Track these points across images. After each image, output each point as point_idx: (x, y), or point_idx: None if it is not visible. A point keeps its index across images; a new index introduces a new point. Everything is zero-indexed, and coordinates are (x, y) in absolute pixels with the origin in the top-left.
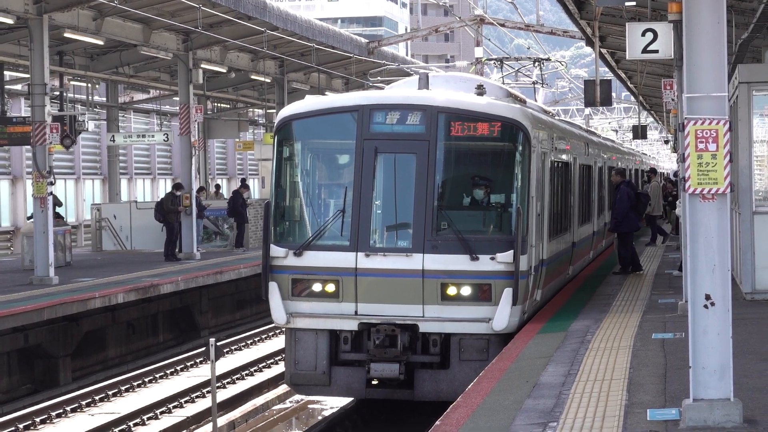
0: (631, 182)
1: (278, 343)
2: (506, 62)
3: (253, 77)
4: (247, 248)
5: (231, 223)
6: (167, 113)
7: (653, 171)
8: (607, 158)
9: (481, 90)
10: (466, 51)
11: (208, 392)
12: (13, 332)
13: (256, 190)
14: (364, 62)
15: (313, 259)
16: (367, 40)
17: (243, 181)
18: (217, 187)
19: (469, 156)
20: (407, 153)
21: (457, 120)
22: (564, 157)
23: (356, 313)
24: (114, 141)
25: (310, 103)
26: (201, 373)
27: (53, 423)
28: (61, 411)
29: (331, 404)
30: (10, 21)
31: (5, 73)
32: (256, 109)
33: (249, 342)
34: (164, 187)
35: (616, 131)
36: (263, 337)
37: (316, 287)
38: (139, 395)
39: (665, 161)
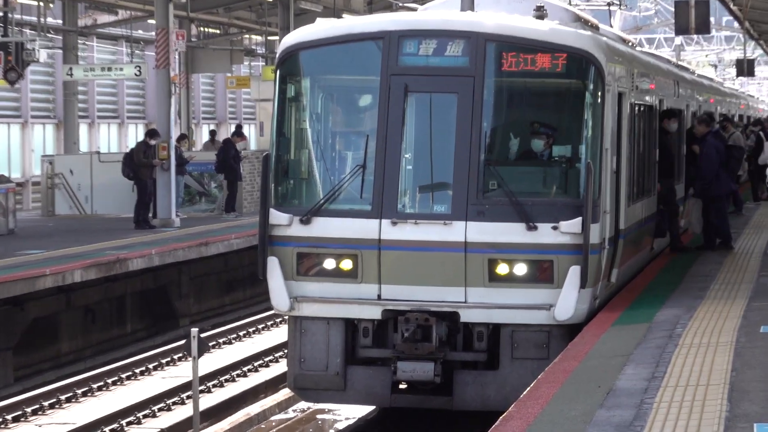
0: (720, 132)
1: (279, 335)
2: None
3: None
4: (241, 213)
5: (220, 181)
6: (140, 40)
7: (757, 123)
8: (703, 101)
9: (541, 12)
10: None
11: (188, 398)
12: None
13: (252, 140)
14: None
15: (324, 227)
16: None
17: (238, 128)
18: (213, 133)
19: (525, 97)
20: (446, 93)
21: (511, 50)
22: (647, 98)
23: (379, 297)
24: (72, 75)
25: (323, 28)
26: (180, 372)
27: None
28: None
29: (347, 414)
30: None
31: None
32: (253, 36)
33: (242, 334)
34: (135, 134)
35: (715, 66)
36: (260, 327)
37: (329, 264)
38: (100, 401)
39: None
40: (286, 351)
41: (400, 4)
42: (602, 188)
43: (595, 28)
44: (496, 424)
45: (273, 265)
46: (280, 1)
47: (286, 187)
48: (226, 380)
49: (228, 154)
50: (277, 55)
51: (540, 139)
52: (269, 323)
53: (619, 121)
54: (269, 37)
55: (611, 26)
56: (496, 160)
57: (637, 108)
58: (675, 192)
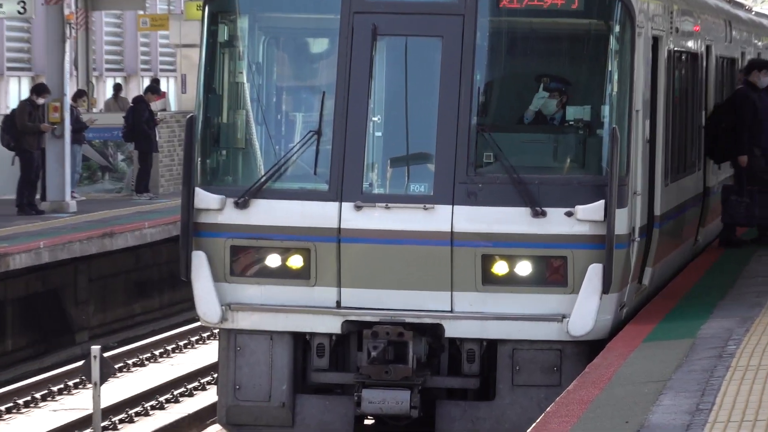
0: None
1: (207, 354)
2: None
3: None
4: (156, 194)
5: (129, 152)
6: None
7: None
8: (764, 47)
9: None
10: None
11: None
12: None
13: (172, 98)
14: None
15: (266, 213)
16: None
17: (153, 82)
18: (118, 88)
19: (531, 42)
20: (427, 36)
21: None
22: (691, 44)
23: (339, 304)
24: None
25: None
26: (77, 403)
27: None
28: None
29: None
30: None
31: None
32: None
33: (158, 353)
34: (18, 91)
35: None
36: (182, 344)
37: (272, 261)
38: None
39: None
40: (215, 375)
41: None
42: (632, 162)
43: None
44: None
45: (199, 262)
46: None
47: (217, 159)
48: (138, 414)
49: (140, 117)
50: None
51: (552, 98)
52: (194, 339)
53: (654, 73)
54: None
55: None
56: (492, 125)
57: (677, 56)
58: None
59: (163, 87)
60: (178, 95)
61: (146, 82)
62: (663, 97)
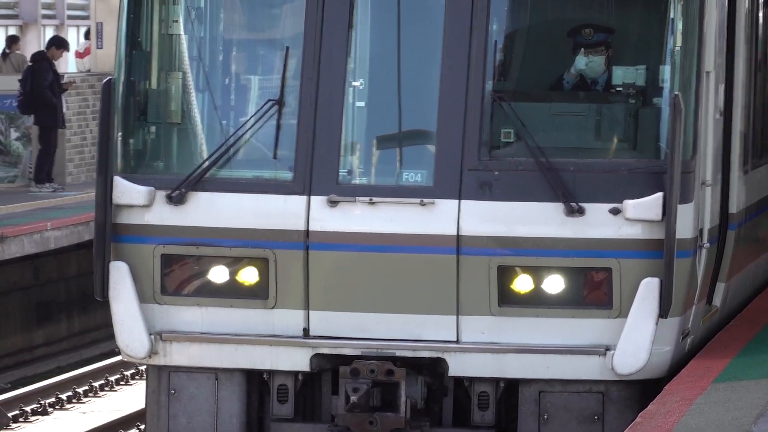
0: None
1: (131, 399)
2: None
3: None
4: (62, 185)
5: (27, 128)
6: None
7: None
8: None
9: None
10: None
11: None
12: None
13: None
14: None
15: (209, 210)
16: None
17: (56, 39)
18: (11, 41)
19: None
20: None
21: None
22: None
23: (307, 333)
24: None
25: None
26: None
27: None
28: None
29: None
30: None
31: None
32: None
33: (66, 397)
34: None
35: None
36: (97, 385)
37: (218, 275)
38: None
39: None
40: (143, 428)
41: None
42: (700, 141)
43: None
44: None
45: (120, 277)
46: None
47: (144, 138)
48: None
49: (41, 81)
50: None
51: (597, 55)
52: (114, 378)
53: (731, 23)
54: None
55: None
56: (513, 93)
57: (765, 2)
58: None
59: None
60: (92, 51)
61: (50, 34)
62: (743, 54)
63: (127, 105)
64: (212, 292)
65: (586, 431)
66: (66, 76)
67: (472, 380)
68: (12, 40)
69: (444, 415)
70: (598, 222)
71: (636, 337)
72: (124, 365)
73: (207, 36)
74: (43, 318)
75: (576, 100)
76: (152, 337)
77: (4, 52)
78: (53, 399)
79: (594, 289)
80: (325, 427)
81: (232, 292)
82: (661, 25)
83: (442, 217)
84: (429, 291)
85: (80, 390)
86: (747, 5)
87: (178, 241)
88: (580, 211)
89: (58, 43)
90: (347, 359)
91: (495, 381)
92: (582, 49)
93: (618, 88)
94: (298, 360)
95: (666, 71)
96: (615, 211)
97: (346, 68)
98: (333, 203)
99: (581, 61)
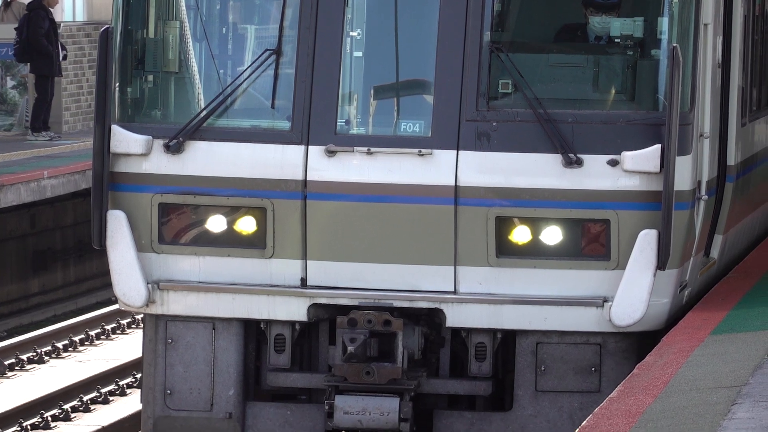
0: None
1: (127, 348)
2: None
3: None
4: (59, 133)
5: (23, 76)
6: None
7: None
8: None
9: None
10: None
11: None
12: None
13: (80, 2)
14: None
15: (207, 159)
16: None
17: None
18: None
19: None
20: None
21: None
22: None
23: (304, 282)
24: None
25: None
26: None
27: None
28: None
29: None
30: None
31: None
32: None
33: (62, 345)
34: None
35: None
36: (94, 334)
37: (215, 224)
38: None
39: None
40: (139, 376)
41: None
42: (698, 93)
43: None
44: None
45: (117, 226)
46: None
47: (141, 87)
48: (35, 426)
49: (37, 29)
50: None
51: (611, 15)
52: (110, 327)
53: None
54: None
55: None
56: (511, 43)
57: None
58: None
59: None
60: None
61: None
62: (741, 6)
63: (125, 54)
64: (210, 242)
65: (584, 382)
66: (62, 24)
67: (470, 331)
68: None
69: (441, 366)
70: (596, 173)
71: (634, 289)
72: (120, 314)
73: None
74: (39, 267)
75: (574, 51)
76: (149, 286)
77: (5, 1)
78: (49, 347)
79: (592, 241)
80: (322, 377)
81: (229, 242)
82: None
83: (440, 168)
84: (426, 241)
85: (76, 339)
86: None
87: (175, 190)
88: (578, 163)
89: None
90: (344, 309)
91: (492, 332)
92: (591, 9)
93: (616, 40)
94: (295, 310)
95: (664, 23)
96: (613, 163)
97: (344, 18)
98: (331, 153)
99: (594, 21)
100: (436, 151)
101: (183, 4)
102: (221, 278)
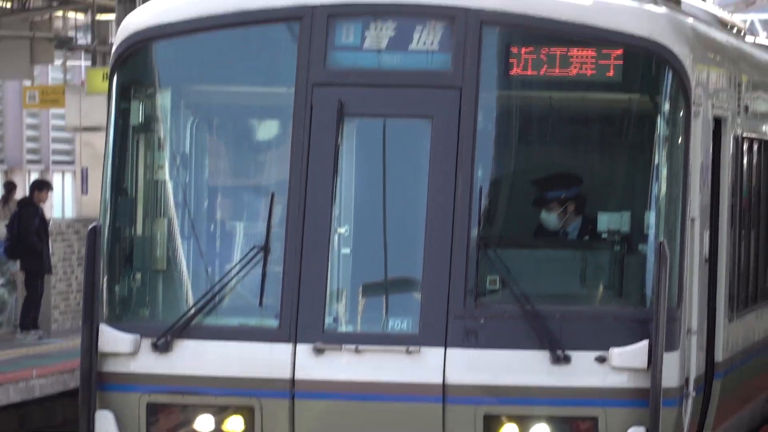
0: None
1: None
2: None
3: None
4: (48, 332)
5: (12, 273)
6: None
7: None
8: None
9: None
10: None
11: None
12: None
13: (69, 200)
14: None
15: (195, 358)
16: None
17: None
18: (9, 187)
19: (552, 125)
20: (412, 117)
21: (527, 41)
22: (766, 129)
23: None
24: None
25: (193, 1)
26: None
27: None
28: None
29: None
30: None
31: None
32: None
33: None
34: None
35: None
36: None
37: (204, 424)
38: None
39: None
40: None
41: None
42: (685, 289)
43: (674, 1)
44: None
45: (106, 425)
46: None
47: (129, 285)
48: None
49: (27, 226)
50: (114, 49)
51: (551, 212)
52: None
53: (716, 168)
54: (100, 16)
55: None
56: (499, 239)
57: (747, 145)
58: None
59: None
60: (77, 196)
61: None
62: (728, 200)
63: (113, 251)
64: None
65: None
66: (51, 221)
67: None
68: (11, 186)
69: None
70: (584, 370)
71: None
72: None
73: (192, 181)
74: None
75: (561, 246)
76: None
77: (3, 198)
78: None
79: None
80: None
81: None
82: (645, 171)
83: (428, 366)
84: None
85: None
86: (731, 151)
87: (163, 389)
88: (566, 360)
89: (39, 185)
90: None
91: None
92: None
93: (603, 235)
94: None
95: (651, 217)
96: (601, 359)
97: (332, 215)
98: (319, 351)
99: (543, 214)
100: (424, 349)
101: (171, 201)
102: None
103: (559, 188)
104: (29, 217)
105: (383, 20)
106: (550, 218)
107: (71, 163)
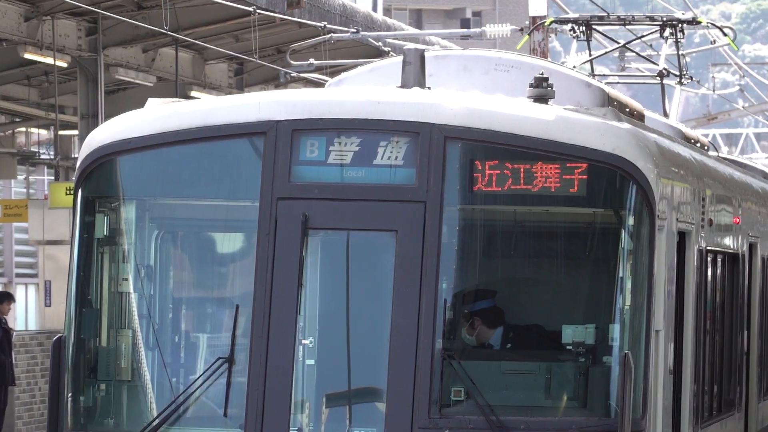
0: None
1: None
2: (598, 27)
3: (28, 56)
4: None
5: None
6: None
7: None
8: None
9: (545, 89)
10: (509, 3)
11: None
12: None
13: (32, 313)
14: (280, 25)
15: None
16: None
17: (2, 295)
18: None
19: (515, 239)
20: (377, 231)
21: (491, 156)
22: (729, 242)
23: None
24: None
25: (157, 116)
26: None
27: None
28: None
29: None
30: None
31: None
32: (32, 130)
33: None
34: None
35: None
36: None
37: None
38: None
39: None
40: None
41: (295, 74)
42: (650, 399)
43: (637, 117)
44: None
45: None
46: (80, 65)
47: (94, 396)
48: None
49: None
50: (78, 164)
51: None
52: None
53: (680, 281)
54: (62, 132)
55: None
56: (463, 351)
57: (711, 258)
58: None
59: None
60: (40, 309)
61: None
62: (692, 312)
63: (78, 362)
64: None
65: None
66: (14, 333)
67: None
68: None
69: None
70: None
71: None
72: None
73: (156, 294)
74: None
75: (526, 358)
76: None
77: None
78: None
79: None
80: None
81: None
82: (610, 284)
83: None
84: None
85: None
86: (695, 264)
87: None
88: None
89: (1, 298)
90: None
91: None
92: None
93: (569, 347)
94: None
95: (616, 330)
96: None
97: (296, 327)
98: None
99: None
100: None
101: (135, 313)
102: None
103: (467, 304)
104: None
105: (347, 135)
106: (463, 333)
107: (34, 276)
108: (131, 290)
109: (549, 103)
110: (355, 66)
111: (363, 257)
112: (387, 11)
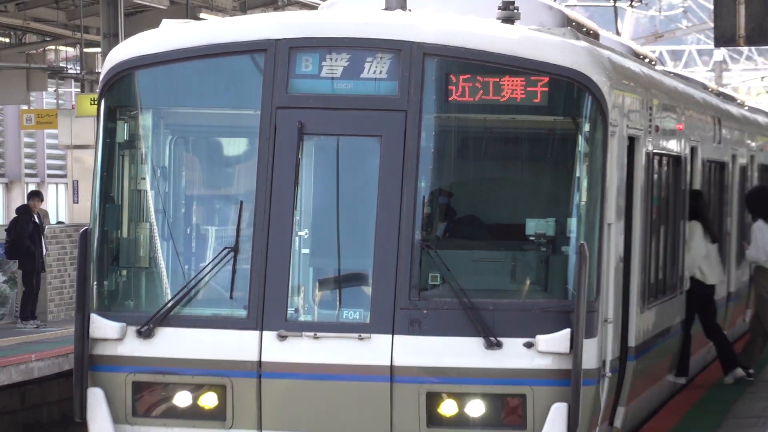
0: None
1: None
2: None
3: None
4: (45, 322)
5: (12, 272)
6: None
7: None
8: (759, 148)
9: (511, 12)
10: None
11: None
12: None
13: (63, 208)
14: None
15: (174, 343)
16: None
17: (31, 192)
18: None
19: (486, 143)
20: (363, 136)
21: (464, 71)
22: (673, 145)
23: None
24: None
25: (170, 36)
26: None
27: None
28: None
29: None
30: None
31: None
32: (61, 48)
33: None
34: None
35: None
36: None
37: (182, 399)
38: None
39: None
40: None
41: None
42: (602, 284)
43: (593, 35)
44: None
45: (96, 401)
46: None
47: (116, 281)
48: None
49: (23, 230)
50: (101, 77)
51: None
52: None
53: (630, 180)
54: (87, 49)
55: (618, 33)
56: (438, 241)
57: (656, 160)
58: None
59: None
60: (69, 205)
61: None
62: (640, 207)
63: (101, 252)
64: (177, 414)
65: None
66: (47, 226)
67: None
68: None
69: None
70: (514, 354)
71: None
72: None
73: (171, 191)
74: None
75: (494, 248)
76: None
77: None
78: None
79: (510, 413)
80: None
81: (194, 415)
82: (568, 182)
83: (377, 350)
84: (367, 414)
85: None
86: (643, 166)
87: (147, 369)
88: (498, 345)
89: (32, 195)
90: None
91: None
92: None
93: (531, 237)
94: None
95: (572, 223)
96: (529, 345)
97: (293, 220)
98: (282, 337)
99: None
100: (374, 336)
101: (152, 208)
102: None
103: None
104: (24, 224)
105: (338, 52)
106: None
107: (64, 176)
108: (148, 188)
109: (515, 23)
110: None
111: (351, 159)
112: None
